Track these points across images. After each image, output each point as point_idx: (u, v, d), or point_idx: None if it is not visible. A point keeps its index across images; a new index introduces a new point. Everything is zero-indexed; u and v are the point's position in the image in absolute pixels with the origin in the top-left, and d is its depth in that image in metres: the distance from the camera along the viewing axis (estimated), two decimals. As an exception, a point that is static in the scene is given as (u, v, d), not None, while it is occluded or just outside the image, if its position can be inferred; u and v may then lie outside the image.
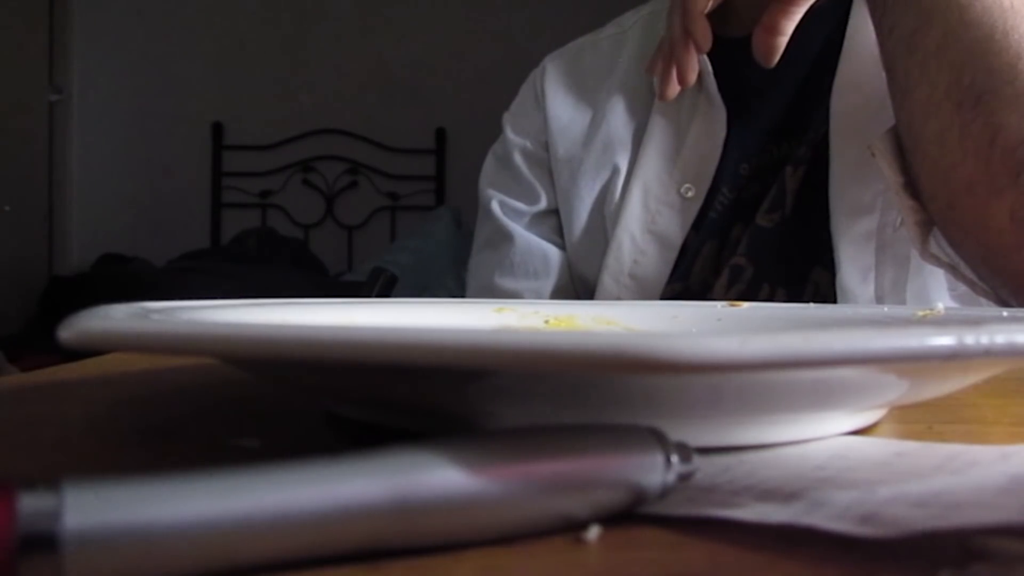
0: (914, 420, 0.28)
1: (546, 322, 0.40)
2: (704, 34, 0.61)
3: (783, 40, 0.60)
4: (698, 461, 0.18)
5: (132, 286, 2.02)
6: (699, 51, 0.62)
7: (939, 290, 0.61)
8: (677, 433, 0.18)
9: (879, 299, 0.62)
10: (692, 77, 0.63)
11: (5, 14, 2.50)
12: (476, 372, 0.19)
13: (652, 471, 0.17)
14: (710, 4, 0.61)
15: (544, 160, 0.78)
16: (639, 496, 0.17)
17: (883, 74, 0.55)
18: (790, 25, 0.60)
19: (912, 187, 0.53)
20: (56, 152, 2.75)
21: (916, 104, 0.50)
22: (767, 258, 0.67)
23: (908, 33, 0.50)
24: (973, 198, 0.48)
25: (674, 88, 0.64)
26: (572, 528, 0.17)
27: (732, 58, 0.68)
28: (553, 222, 0.77)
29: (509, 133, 0.80)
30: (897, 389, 0.23)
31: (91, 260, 2.60)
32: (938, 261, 0.53)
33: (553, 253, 0.76)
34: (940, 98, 0.48)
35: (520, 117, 0.80)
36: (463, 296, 0.92)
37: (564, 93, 0.78)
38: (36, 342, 1.91)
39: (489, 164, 0.82)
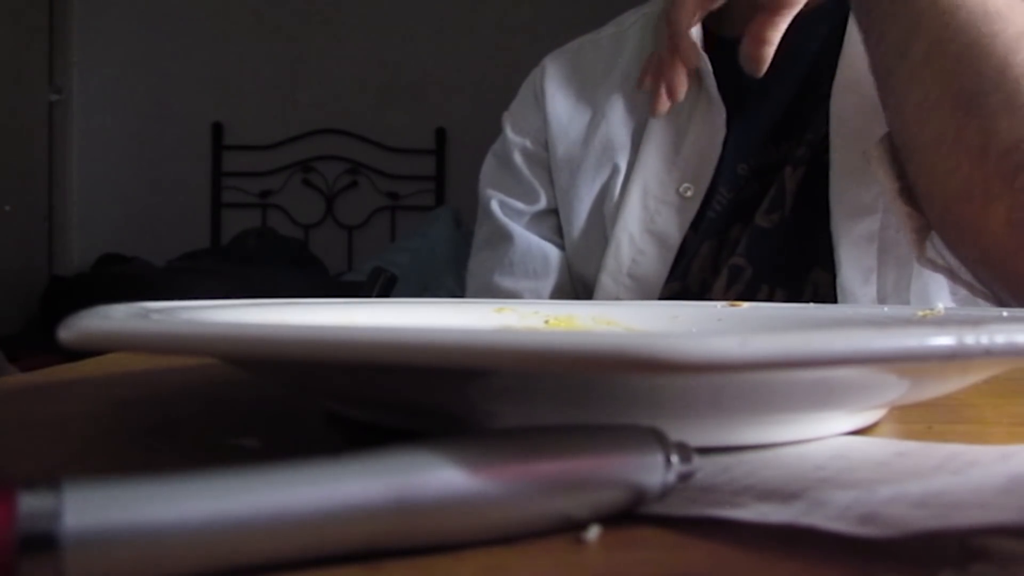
0: (914, 420, 0.28)
1: (546, 322, 0.40)
2: (690, 51, 0.62)
3: (770, 50, 0.60)
4: (698, 461, 0.18)
5: (132, 286, 2.02)
6: (687, 68, 0.63)
7: (940, 291, 0.61)
8: (677, 433, 0.18)
9: (881, 301, 0.62)
10: (681, 93, 0.64)
11: (5, 14, 2.50)
12: (476, 372, 0.19)
13: (652, 471, 0.17)
14: (696, 19, 0.61)
15: (544, 160, 0.78)
16: (639, 496, 0.17)
17: None
18: (776, 35, 0.59)
19: (908, 192, 0.53)
20: (56, 152, 2.75)
21: (908, 112, 0.51)
22: (766, 258, 0.67)
23: (896, 42, 0.50)
24: (969, 203, 0.48)
25: (665, 104, 0.64)
26: (572, 528, 0.17)
27: (732, 58, 0.68)
28: (552, 222, 0.77)
29: (509, 132, 0.80)
30: (897, 389, 0.23)
31: (91, 260, 2.61)
32: (935, 266, 0.53)
33: (552, 253, 0.76)
34: (932, 105, 0.48)
35: (520, 117, 0.80)
36: (463, 296, 0.92)
37: (564, 92, 0.78)
38: (36, 342, 1.91)
39: (489, 164, 0.82)
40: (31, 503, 0.13)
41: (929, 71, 0.49)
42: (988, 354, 0.17)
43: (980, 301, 0.54)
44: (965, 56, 0.47)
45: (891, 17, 0.51)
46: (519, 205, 0.77)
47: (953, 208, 0.49)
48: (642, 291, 0.71)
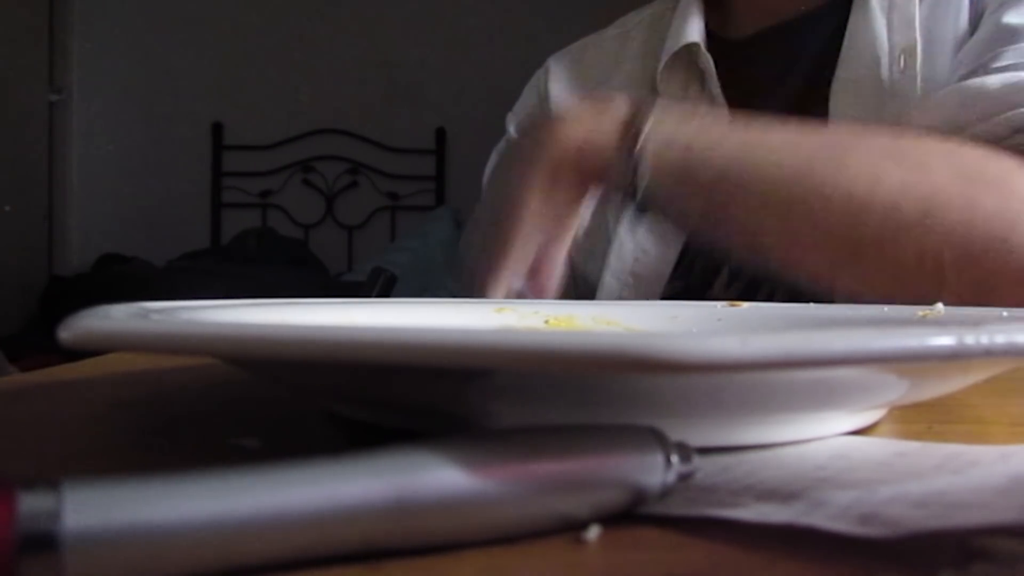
0: (914, 420, 0.28)
1: (546, 322, 0.40)
2: None
3: (550, 284, 0.51)
4: (698, 461, 0.18)
5: (132, 286, 2.02)
6: None
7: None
8: (677, 433, 0.18)
9: (880, 298, 0.62)
10: None
11: (5, 14, 2.50)
12: (476, 372, 0.19)
13: (652, 471, 0.17)
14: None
15: (546, 160, 0.77)
16: (639, 496, 0.17)
17: (881, 74, 0.54)
18: (547, 266, 0.51)
19: None
20: (56, 152, 2.75)
21: (799, 275, 0.49)
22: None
23: (749, 240, 0.49)
24: (925, 300, 0.47)
25: None
26: (572, 528, 0.17)
27: (734, 59, 0.68)
28: (554, 222, 0.77)
29: (512, 133, 0.80)
30: (897, 389, 0.23)
31: (91, 260, 2.60)
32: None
33: (554, 252, 0.76)
34: (820, 273, 0.47)
35: (523, 117, 0.80)
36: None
37: (567, 93, 0.78)
38: (36, 342, 1.91)
39: (493, 163, 0.82)
40: (31, 503, 0.13)
41: (797, 254, 0.47)
42: (988, 354, 0.17)
43: None
44: (823, 221, 0.46)
45: (728, 224, 0.49)
46: (521, 205, 0.77)
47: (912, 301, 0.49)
48: (645, 290, 0.71)
